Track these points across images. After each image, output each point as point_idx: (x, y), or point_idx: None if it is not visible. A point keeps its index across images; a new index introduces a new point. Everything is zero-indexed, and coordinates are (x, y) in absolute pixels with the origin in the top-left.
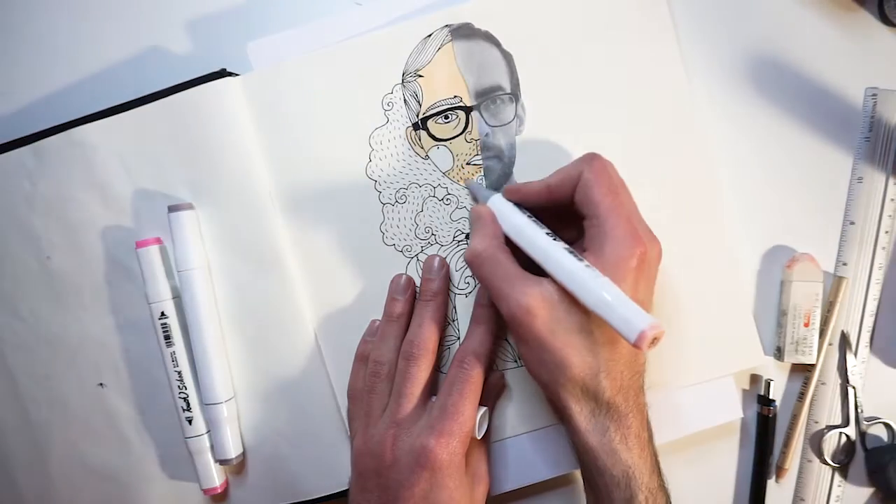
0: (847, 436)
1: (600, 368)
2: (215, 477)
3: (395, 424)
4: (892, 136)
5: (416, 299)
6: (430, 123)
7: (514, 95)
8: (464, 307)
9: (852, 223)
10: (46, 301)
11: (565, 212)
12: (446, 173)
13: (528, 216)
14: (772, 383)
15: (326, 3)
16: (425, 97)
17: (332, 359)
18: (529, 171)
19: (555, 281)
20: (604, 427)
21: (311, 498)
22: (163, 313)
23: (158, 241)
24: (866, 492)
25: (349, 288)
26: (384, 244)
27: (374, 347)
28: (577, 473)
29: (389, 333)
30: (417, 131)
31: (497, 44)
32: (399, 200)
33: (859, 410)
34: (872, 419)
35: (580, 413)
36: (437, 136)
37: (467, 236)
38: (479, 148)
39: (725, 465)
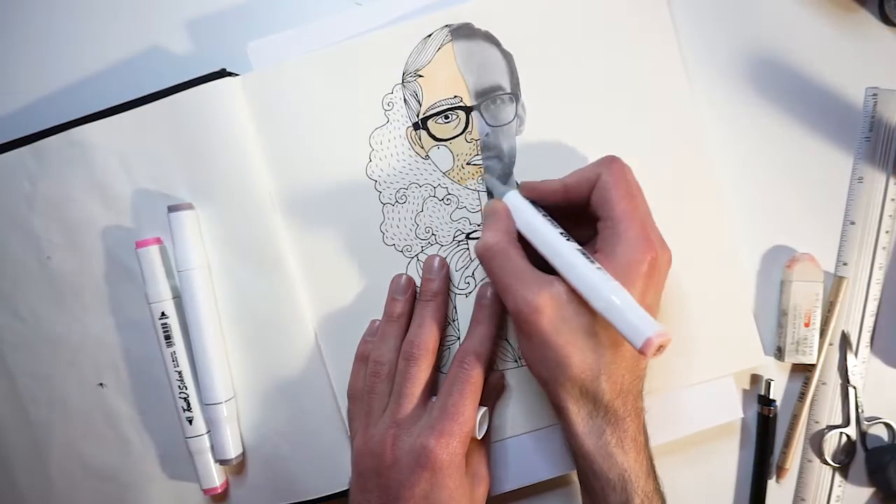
0: (847, 436)
1: (601, 370)
2: (215, 477)
3: (395, 424)
4: (892, 136)
5: (417, 299)
6: (430, 123)
7: (514, 95)
8: (464, 307)
9: (852, 223)
10: (46, 301)
11: (579, 212)
12: (446, 173)
13: (543, 214)
14: (772, 383)
15: (326, 3)
16: (425, 97)
17: (332, 359)
18: (529, 171)
19: (564, 281)
20: (600, 430)
21: (311, 498)
22: (163, 313)
23: (158, 241)
24: (866, 492)
25: (349, 288)
26: (384, 244)
27: (375, 347)
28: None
29: (389, 333)
30: (417, 131)
31: (497, 44)
32: (399, 200)
33: (860, 410)
34: (873, 419)
35: (577, 414)
36: (438, 136)
37: (467, 236)
38: (479, 148)
39: (726, 465)
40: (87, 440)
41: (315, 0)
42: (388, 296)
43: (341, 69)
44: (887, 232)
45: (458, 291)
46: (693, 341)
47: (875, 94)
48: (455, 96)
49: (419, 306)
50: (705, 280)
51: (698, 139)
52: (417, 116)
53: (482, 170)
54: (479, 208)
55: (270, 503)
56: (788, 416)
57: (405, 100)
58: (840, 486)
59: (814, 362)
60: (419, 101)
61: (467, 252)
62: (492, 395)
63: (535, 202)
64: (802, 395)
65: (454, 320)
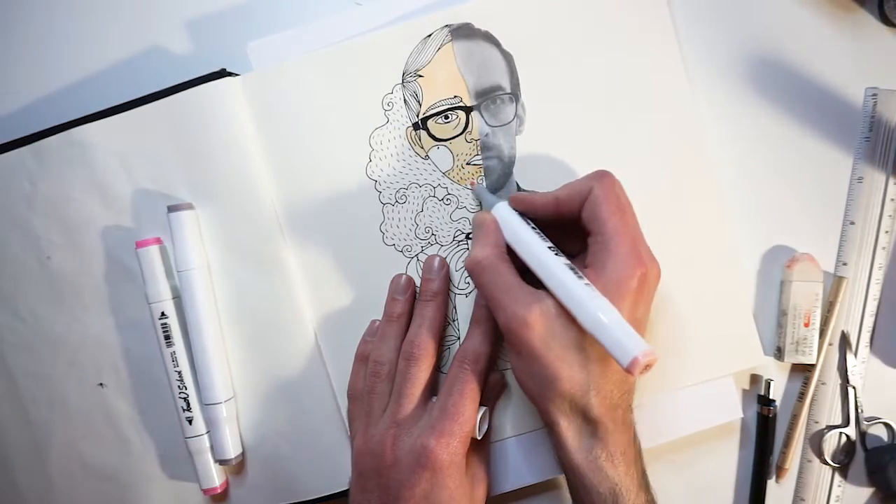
0: (847, 436)
1: (590, 386)
2: (215, 477)
3: (395, 425)
4: (892, 136)
5: (417, 299)
6: (430, 123)
7: (514, 95)
8: (464, 307)
9: (852, 223)
10: (46, 301)
11: (570, 225)
12: (446, 173)
13: (532, 228)
14: (772, 383)
15: (326, 3)
16: (425, 97)
17: (332, 359)
18: (529, 171)
19: (553, 296)
20: (590, 444)
21: (311, 498)
22: (163, 313)
23: (158, 241)
24: (866, 492)
25: (349, 288)
26: (384, 244)
27: (375, 347)
28: None
29: (389, 333)
30: (417, 131)
31: (497, 44)
32: (399, 200)
33: (859, 410)
34: (872, 419)
35: (567, 429)
36: (438, 136)
37: (467, 236)
38: (479, 148)
39: (725, 464)
40: (87, 440)
41: (315, 0)
42: (388, 296)
43: (341, 69)
44: (887, 232)
45: (458, 291)
46: (693, 341)
47: (875, 94)
48: (455, 96)
49: (419, 306)
50: (705, 280)
51: (698, 139)
52: (417, 116)
53: (482, 170)
54: (478, 209)
55: (270, 503)
56: (788, 416)
57: (405, 100)
58: (840, 486)
59: (813, 362)
60: (419, 101)
61: (467, 252)
62: (492, 395)
63: (525, 215)
64: (802, 395)
65: (454, 320)
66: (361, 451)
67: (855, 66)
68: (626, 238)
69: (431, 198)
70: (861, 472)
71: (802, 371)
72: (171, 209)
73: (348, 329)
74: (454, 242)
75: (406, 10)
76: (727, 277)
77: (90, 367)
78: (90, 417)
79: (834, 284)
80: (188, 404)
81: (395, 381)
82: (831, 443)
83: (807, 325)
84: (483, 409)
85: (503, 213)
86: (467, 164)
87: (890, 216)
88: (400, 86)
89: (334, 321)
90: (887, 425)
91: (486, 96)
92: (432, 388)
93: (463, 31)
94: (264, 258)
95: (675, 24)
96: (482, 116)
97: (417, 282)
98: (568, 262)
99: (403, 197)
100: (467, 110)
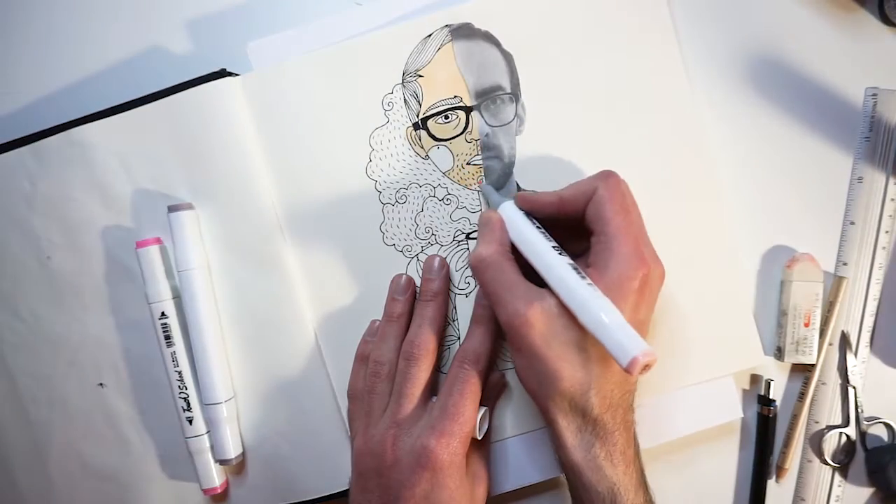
0: (847, 436)
1: (591, 385)
2: (215, 477)
3: (395, 425)
4: (892, 136)
5: (417, 299)
6: (430, 123)
7: (515, 95)
8: (464, 307)
9: (852, 223)
10: (46, 301)
11: (575, 225)
12: (446, 173)
13: (537, 227)
14: (772, 383)
15: (326, 3)
16: (425, 97)
17: (332, 359)
18: (529, 171)
19: (555, 294)
20: (589, 443)
21: (311, 498)
22: (163, 313)
23: (158, 241)
24: (866, 492)
25: (349, 288)
26: (384, 244)
27: (375, 347)
28: None
29: (390, 333)
30: (417, 131)
31: (497, 44)
32: (399, 200)
33: (859, 410)
34: (872, 419)
35: (567, 428)
36: (438, 136)
37: (467, 236)
38: (479, 148)
39: (725, 464)
40: (87, 440)
41: (315, 0)
42: (388, 296)
43: (341, 69)
44: (887, 232)
45: (458, 291)
46: (693, 341)
47: (875, 94)
48: (455, 96)
49: (419, 306)
50: (705, 280)
51: (698, 139)
52: (417, 116)
53: (482, 170)
54: (479, 208)
55: (270, 503)
56: (788, 416)
57: (405, 100)
58: (840, 486)
59: (813, 362)
60: (419, 101)
61: (467, 252)
62: (492, 395)
63: (530, 214)
64: (802, 395)
65: (454, 320)
66: (361, 451)
67: (855, 66)
68: (630, 238)
69: (431, 198)
70: (861, 472)
71: (802, 371)
72: (171, 209)
73: (348, 329)
74: (454, 242)
75: (406, 10)
76: (727, 277)
77: (90, 367)
78: (90, 417)
79: (834, 284)
80: (188, 404)
81: (395, 381)
82: (831, 443)
83: (807, 325)
84: (483, 408)
85: (509, 211)
86: (467, 164)
87: (890, 216)
88: (400, 86)
89: (334, 321)
90: (887, 425)
91: (487, 96)
92: (432, 388)
93: (463, 31)
94: (264, 258)
95: (675, 24)
96: (482, 116)
97: (417, 282)
98: (571, 261)
99: (403, 197)
100: (467, 110)
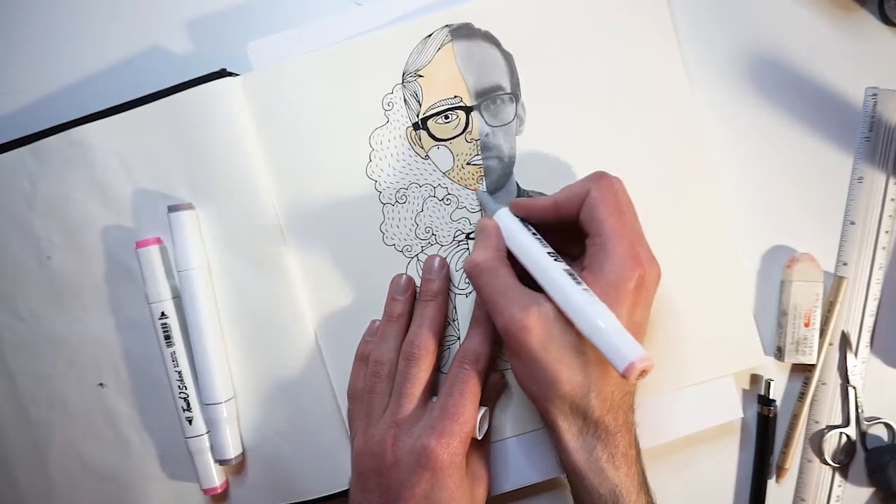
0: (847, 436)
1: (591, 388)
2: (215, 477)
3: (395, 425)
4: (892, 136)
5: (417, 299)
6: (430, 123)
7: (515, 95)
8: (464, 307)
9: (852, 223)
10: (46, 301)
11: (571, 228)
12: (446, 173)
13: (533, 233)
14: (772, 383)
15: (326, 3)
16: (425, 97)
17: (332, 359)
18: (529, 172)
19: (551, 299)
20: (591, 446)
21: (311, 498)
22: (163, 313)
23: (158, 241)
24: (866, 492)
25: (349, 288)
26: (384, 244)
27: (375, 347)
28: None
29: (390, 333)
30: (417, 131)
31: (497, 44)
32: (399, 200)
33: (859, 410)
34: (873, 419)
35: (568, 431)
36: (438, 136)
37: (467, 236)
38: (479, 148)
39: (725, 464)
40: (87, 440)
41: (315, 0)
42: (388, 296)
43: (341, 69)
44: (887, 232)
45: (458, 291)
46: (693, 341)
47: (875, 94)
48: (455, 96)
49: (419, 306)
50: (705, 280)
51: (698, 139)
52: (417, 116)
53: (482, 170)
54: (478, 209)
55: (270, 503)
56: (788, 416)
57: (405, 100)
58: (840, 486)
59: (814, 362)
60: (419, 101)
61: (467, 252)
62: (492, 395)
63: (525, 220)
64: (802, 395)
65: (454, 320)
66: (362, 451)
67: (855, 66)
68: (624, 239)
69: (431, 198)
70: (861, 472)
71: (802, 371)
72: (171, 209)
73: (348, 329)
74: (454, 242)
75: (406, 10)
76: (727, 277)
77: (90, 367)
78: (90, 417)
79: (834, 284)
80: (188, 404)
81: (395, 381)
82: (831, 443)
83: (807, 325)
84: (483, 409)
85: (504, 218)
86: (467, 164)
87: (890, 216)
88: (400, 86)
89: (334, 321)
90: (887, 425)
91: (487, 96)
92: (432, 388)
93: (463, 31)
94: (264, 258)
95: (675, 24)
96: (482, 116)
97: (417, 282)
98: (567, 267)
99: (403, 197)
100: (467, 110)
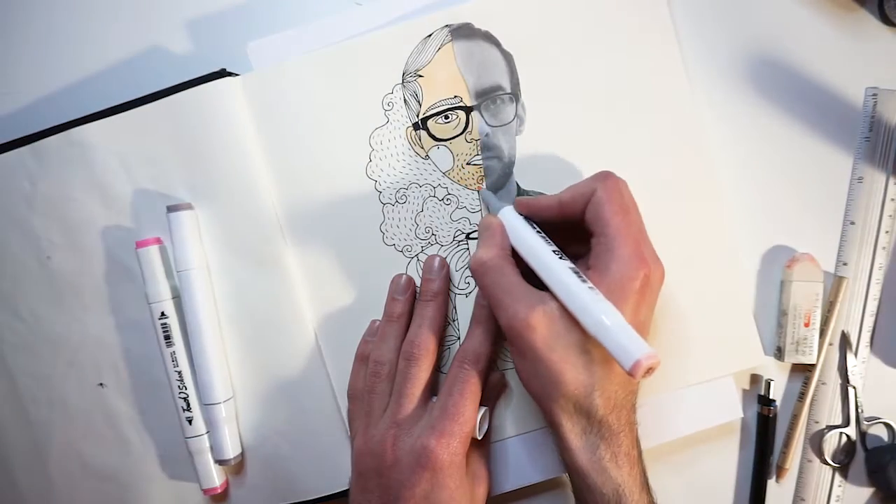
0: (847, 436)
1: (595, 387)
2: (215, 477)
3: (395, 425)
4: (892, 136)
5: (417, 299)
6: (430, 123)
7: (515, 95)
8: (464, 307)
9: (852, 223)
10: (46, 301)
11: (575, 228)
12: (446, 173)
13: (537, 231)
14: (772, 383)
15: (326, 3)
16: (425, 97)
17: (332, 359)
18: (529, 171)
19: (556, 298)
20: (594, 445)
21: (311, 498)
22: (163, 313)
23: (158, 241)
24: (866, 492)
25: (349, 288)
26: (384, 244)
27: (375, 347)
28: None
29: (390, 333)
30: (417, 131)
31: (497, 44)
32: (399, 200)
33: (859, 410)
34: (873, 419)
35: (572, 430)
36: (438, 136)
37: (467, 236)
38: (479, 148)
39: (725, 465)
40: (87, 440)
41: (315, 0)
42: (388, 296)
43: (341, 69)
44: (887, 232)
45: (458, 291)
46: (693, 341)
47: (875, 94)
48: (455, 96)
49: (419, 306)
50: (705, 280)
51: (698, 139)
52: (417, 116)
53: (482, 170)
54: (479, 209)
55: (270, 503)
56: (788, 416)
57: (405, 100)
58: (840, 486)
59: (814, 362)
60: (419, 101)
61: (467, 252)
62: (492, 395)
63: (530, 218)
64: (802, 395)
65: (454, 320)
66: (361, 451)
67: (855, 66)
68: (630, 239)
69: (431, 198)
70: (861, 472)
71: (802, 371)
72: (171, 209)
73: (348, 329)
74: (454, 242)
75: (406, 10)
76: (727, 277)
77: (90, 367)
78: (90, 417)
79: (834, 284)
80: (188, 404)
81: (395, 381)
82: (831, 443)
83: (807, 325)
84: (483, 409)
85: (508, 216)
86: (467, 164)
87: (890, 216)
88: (400, 86)
89: (334, 321)
90: (887, 425)
91: (487, 96)
92: (432, 388)
93: (463, 31)
94: (264, 258)
95: (675, 24)
96: (482, 116)
97: (417, 282)
98: (572, 265)
99: (403, 197)
100: (467, 110)
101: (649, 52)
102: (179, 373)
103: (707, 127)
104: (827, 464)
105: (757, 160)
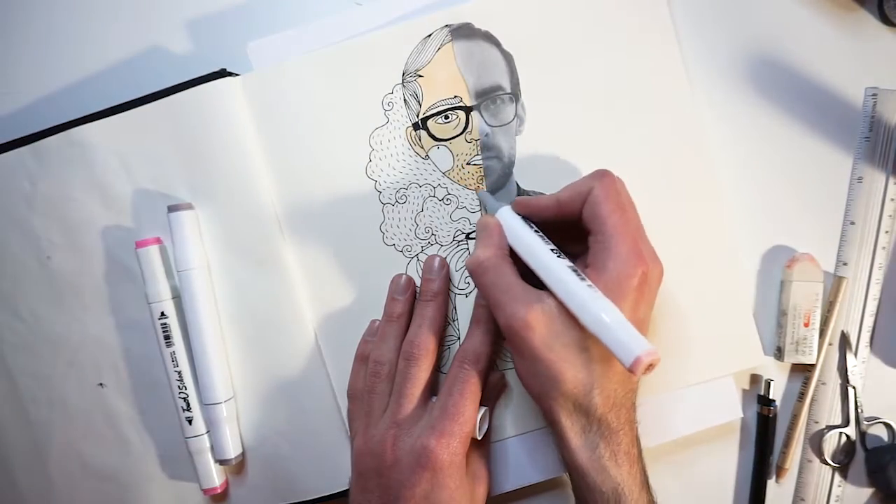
0: (847, 436)
1: (594, 385)
2: (215, 477)
3: (395, 425)
4: (892, 136)
5: (417, 299)
6: (430, 123)
7: (514, 95)
8: (464, 307)
9: (852, 223)
10: (46, 301)
11: (573, 226)
12: (446, 173)
13: (535, 230)
14: (772, 383)
15: (326, 3)
16: (425, 97)
17: (332, 359)
18: (529, 171)
19: (555, 296)
20: (594, 444)
21: (311, 498)
22: (163, 313)
23: (158, 241)
24: (866, 492)
25: (349, 288)
26: (384, 244)
27: (375, 347)
28: None
29: (390, 333)
30: (417, 131)
31: (497, 44)
32: (399, 200)
33: (859, 410)
34: (872, 419)
35: (571, 429)
36: (438, 136)
37: (467, 236)
38: (479, 148)
39: (725, 465)
40: (87, 440)
41: (315, 0)
42: (388, 296)
43: (341, 69)
44: (887, 232)
45: (458, 291)
46: (693, 341)
47: (875, 94)
48: (455, 96)
49: (419, 306)
50: (705, 280)
51: (698, 139)
52: (417, 116)
53: (482, 170)
54: (478, 208)
55: (270, 503)
56: (788, 416)
57: (405, 100)
58: (840, 486)
59: (813, 362)
60: (419, 101)
61: (467, 252)
62: (492, 395)
63: (528, 218)
64: (802, 395)
65: (454, 320)
66: (361, 451)
67: (855, 66)
68: (627, 237)
69: (431, 198)
70: (861, 472)
71: (802, 371)
72: (171, 209)
73: (348, 329)
74: (454, 242)
75: (406, 10)
76: (727, 277)
77: (90, 367)
78: (90, 417)
79: (834, 284)
80: (188, 404)
81: (395, 381)
82: (831, 443)
83: (807, 325)
84: (483, 409)
85: (506, 216)
86: (467, 164)
87: (890, 216)
88: (400, 86)
89: (334, 321)
90: (887, 425)
91: (486, 96)
92: (432, 388)
93: (463, 31)
94: (264, 258)
95: (675, 24)
96: (482, 116)
97: (417, 282)
98: (570, 263)
99: (403, 197)
100: (467, 110)
101: (649, 52)
102: (179, 373)
103: (707, 127)
104: (827, 464)
105: (757, 160)
